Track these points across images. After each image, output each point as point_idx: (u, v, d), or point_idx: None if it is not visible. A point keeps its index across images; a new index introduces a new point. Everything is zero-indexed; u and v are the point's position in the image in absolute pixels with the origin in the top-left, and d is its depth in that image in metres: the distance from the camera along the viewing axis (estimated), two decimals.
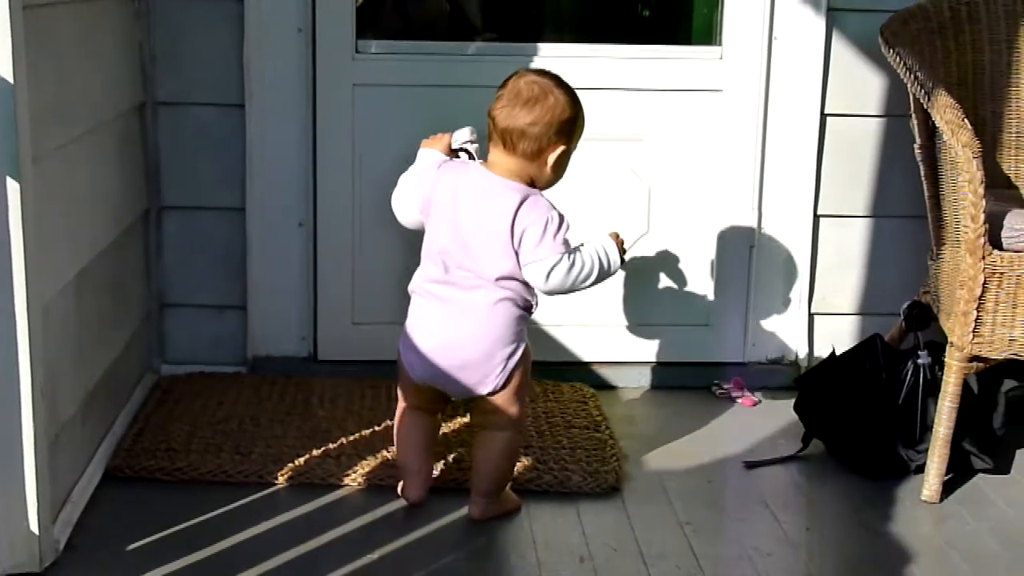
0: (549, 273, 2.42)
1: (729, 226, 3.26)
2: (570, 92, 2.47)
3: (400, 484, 2.59)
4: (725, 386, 3.25)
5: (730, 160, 3.23)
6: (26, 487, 2.20)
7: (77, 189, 2.53)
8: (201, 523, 2.49)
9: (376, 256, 3.21)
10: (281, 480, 2.66)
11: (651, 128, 3.23)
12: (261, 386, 3.13)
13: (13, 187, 2.10)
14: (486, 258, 2.43)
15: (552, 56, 3.16)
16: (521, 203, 2.41)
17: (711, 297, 3.29)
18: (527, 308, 2.50)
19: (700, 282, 3.29)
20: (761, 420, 3.10)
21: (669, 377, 3.28)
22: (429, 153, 2.59)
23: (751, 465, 2.84)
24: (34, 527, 2.23)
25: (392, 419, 2.91)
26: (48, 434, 2.28)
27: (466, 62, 3.21)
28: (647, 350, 3.31)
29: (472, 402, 2.54)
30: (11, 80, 2.06)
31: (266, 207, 3.16)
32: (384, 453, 2.76)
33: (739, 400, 3.20)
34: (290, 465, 2.70)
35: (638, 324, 3.30)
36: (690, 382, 3.27)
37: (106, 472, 2.66)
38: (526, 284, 2.46)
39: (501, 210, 2.42)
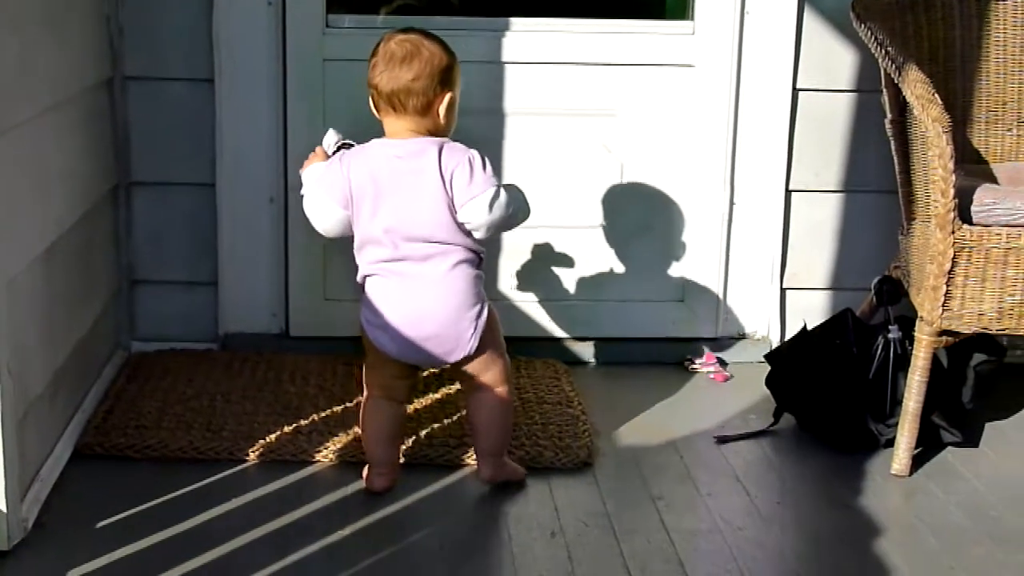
0: (491, 204, 2.43)
1: (701, 201, 3.26)
2: (440, 41, 2.49)
3: (365, 473, 2.58)
4: (697, 361, 3.25)
5: (702, 135, 3.23)
6: None
7: (43, 164, 2.51)
8: (172, 500, 2.48)
9: None
10: (252, 457, 2.66)
11: (623, 103, 3.22)
12: (232, 363, 3.11)
13: None
14: (430, 218, 2.43)
15: (525, 30, 3.15)
16: (439, 152, 2.43)
17: (684, 273, 3.29)
18: (479, 265, 2.51)
19: (673, 258, 3.29)
20: (733, 395, 3.11)
21: (642, 352, 3.29)
22: (315, 166, 2.56)
23: (723, 440, 2.85)
24: (1, 505, 2.22)
25: (363, 396, 2.92)
26: (16, 412, 2.26)
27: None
28: (620, 326, 3.31)
29: (455, 371, 2.54)
30: None
31: (236, 182, 3.14)
32: (356, 430, 2.75)
33: (711, 375, 3.21)
34: (261, 442, 2.69)
35: (611, 300, 3.30)
36: (663, 357, 3.28)
37: (76, 450, 2.65)
38: (471, 236, 2.46)
39: (423, 166, 2.42)
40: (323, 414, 2.85)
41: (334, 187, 2.48)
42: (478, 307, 2.48)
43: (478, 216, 2.44)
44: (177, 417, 2.80)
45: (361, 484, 2.57)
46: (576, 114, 3.20)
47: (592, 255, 3.27)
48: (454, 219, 2.44)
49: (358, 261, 2.52)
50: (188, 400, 2.89)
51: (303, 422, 2.80)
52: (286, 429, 2.75)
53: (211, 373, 3.05)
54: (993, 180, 2.85)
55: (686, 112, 3.22)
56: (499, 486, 2.59)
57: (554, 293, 3.28)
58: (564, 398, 2.97)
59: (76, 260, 2.75)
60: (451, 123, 2.50)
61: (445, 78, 2.45)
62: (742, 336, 3.32)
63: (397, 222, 2.44)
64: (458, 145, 2.47)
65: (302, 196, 2.57)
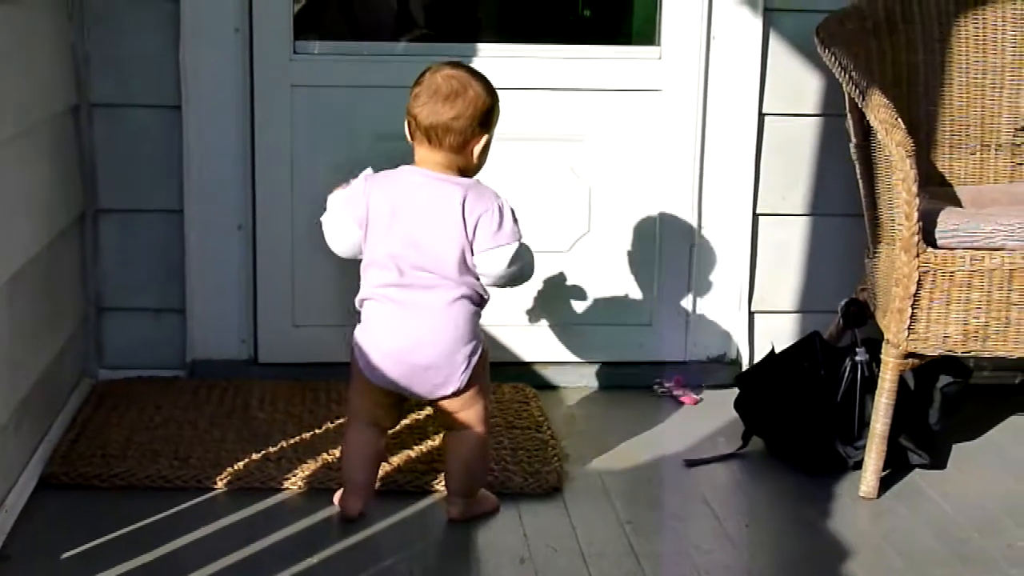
0: (511, 259, 2.44)
1: (669, 225, 3.27)
2: (486, 82, 2.49)
3: (339, 495, 2.57)
4: (666, 385, 3.26)
5: (670, 160, 3.25)
6: None
7: (8, 191, 2.49)
8: (138, 529, 2.46)
9: (316, 258, 3.18)
10: (220, 485, 2.64)
11: (591, 128, 3.24)
12: (200, 390, 3.10)
13: None
14: (442, 253, 2.43)
15: (492, 56, 3.16)
16: (466, 193, 2.43)
17: (652, 296, 3.31)
18: (481, 304, 2.51)
19: (641, 281, 3.30)
20: (702, 418, 3.11)
21: (611, 377, 3.29)
22: (342, 191, 2.54)
23: (692, 463, 2.86)
24: None
25: (332, 422, 2.92)
26: None
27: (405, 62, 3.17)
28: (589, 350, 3.31)
29: (436, 404, 2.52)
30: None
31: (204, 209, 3.14)
32: (325, 456, 2.75)
33: (680, 399, 3.22)
34: (229, 469, 2.68)
35: (579, 324, 3.30)
36: (632, 381, 3.28)
37: (41, 479, 2.63)
38: (478, 278, 2.47)
39: (447, 203, 2.42)
40: (292, 440, 2.84)
41: (354, 206, 2.48)
42: (473, 343, 2.47)
43: (495, 266, 2.44)
44: (144, 445, 2.78)
45: (330, 511, 2.56)
46: (544, 138, 3.21)
47: (560, 279, 3.28)
48: (465, 260, 2.43)
49: (361, 283, 2.51)
50: (155, 428, 2.87)
51: (271, 449, 2.79)
52: (254, 456, 2.74)
53: (179, 400, 3.03)
54: (957, 203, 2.88)
55: (654, 136, 3.24)
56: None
57: (523, 317, 3.28)
58: (533, 423, 2.97)
59: (41, 288, 2.74)
60: (483, 163, 2.50)
61: (485, 120, 2.45)
62: (711, 359, 3.33)
63: (407, 248, 2.43)
64: (488, 190, 2.46)
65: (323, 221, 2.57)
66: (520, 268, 2.49)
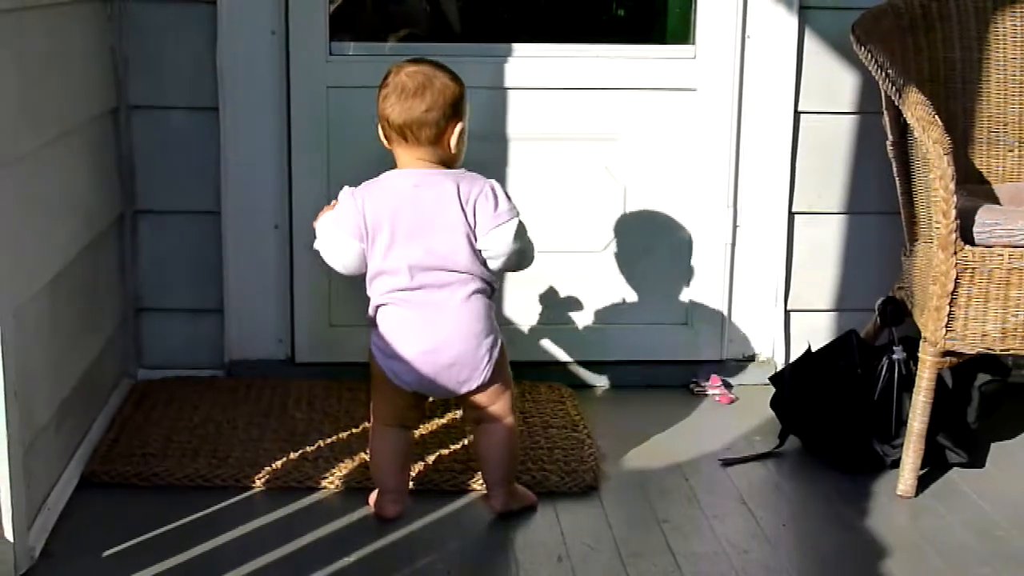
0: (516, 234, 2.45)
1: (705, 224, 3.27)
2: (450, 72, 2.50)
3: (373, 499, 2.58)
4: (703, 384, 3.26)
5: (705, 159, 3.24)
6: (0, 494, 2.19)
7: (49, 193, 2.52)
8: (178, 528, 2.49)
9: None
10: (258, 484, 2.66)
11: (626, 127, 3.23)
12: (238, 389, 3.12)
13: None
14: (451, 248, 2.44)
15: (527, 56, 3.17)
16: (458, 183, 2.44)
17: (688, 295, 3.30)
18: (492, 295, 2.52)
19: (676, 281, 3.30)
20: (738, 417, 3.11)
21: (647, 376, 3.29)
22: (329, 214, 2.53)
23: (728, 462, 2.85)
24: (9, 534, 2.22)
25: (369, 422, 2.92)
26: (23, 440, 2.27)
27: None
28: (625, 349, 3.31)
29: (463, 400, 2.54)
30: None
31: (242, 210, 3.16)
32: (362, 455, 2.76)
33: (716, 398, 3.21)
34: (267, 469, 2.70)
35: (615, 323, 3.30)
36: (668, 380, 3.28)
37: (82, 478, 2.65)
38: (487, 266, 2.47)
39: (442, 196, 2.43)
40: (329, 440, 2.85)
41: (348, 220, 2.47)
42: (492, 336, 2.49)
43: (501, 244, 2.45)
44: (183, 445, 2.80)
45: (367, 510, 2.58)
46: (579, 138, 3.21)
47: (596, 279, 3.28)
48: (472, 248, 2.45)
49: (369, 292, 2.51)
50: (194, 427, 2.90)
51: (309, 448, 2.80)
52: (292, 456, 2.76)
53: (217, 400, 3.06)
54: (995, 200, 2.86)
55: (688, 135, 3.24)
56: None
57: (559, 317, 3.29)
58: (570, 422, 2.98)
59: (82, 289, 2.77)
60: (461, 152, 2.51)
61: (456, 108, 2.46)
62: (747, 358, 3.32)
63: (416, 252, 2.44)
64: (474, 174, 2.48)
65: (316, 246, 2.55)
66: (523, 245, 2.49)
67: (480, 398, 2.50)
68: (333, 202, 2.56)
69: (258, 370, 3.22)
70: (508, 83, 3.18)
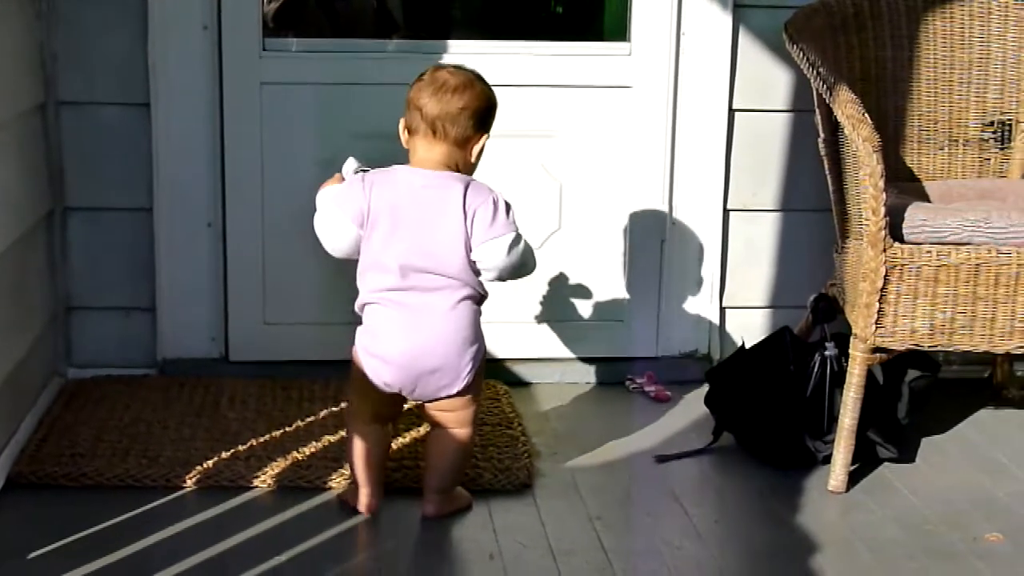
0: (510, 248, 2.44)
1: (640, 221, 3.28)
2: (488, 84, 2.52)
3: (351, 495, 2.56)
4: (638, 381, 3.26)
5: (640, 156, 3.25)
6: None
7: None
8: (106, 529, 2.46)
9: (287, 255, 3.19)
10: (189, 483, 2.64)
11: (562, 124, 3.24)
12: (170, 388, 3.09)
13: None
14: (447, 253, 2.43)
15: (465, 52, 3.15)
16: (466, 189, 2.43)
17: (623, 293, 3.31)
18: (481, 302, 2.52)
19: (612, 278, 3.30)
20: (673, 414, 3.12)
21: (582, 373, 3.29)
22: (333, 186, 2.54)
23: (662, 459, 2.86)
24: None
25: (303, 420, 2.92)
26: None
27: (374, 60, 3.20)
28: (561, 346, 3.31)
29: (430, 403, 2.52)
30: None
31: (174, 207, 3.13)
32: (295, 454, 2.74)
33: (652, 394, 3.22)
34: (198, 468, 2.67)
35: (551, 320, 3.30)
36: (604, 378, 3.29)
37: (8, 479, 2.61)
38: (479, 275, 2.47)
39: (447, 200, 2.42)
40: (262, 439, 2.83)
41: (352, 204, 2.47)
42: (476, 345, 2.49)
43: (493, 258, 2.44)
44: (113, 444, 2.77)
45: (299, 509, 2.56)
46: (515, 135, 3.20)
47: (532, 276, 3.27)
48: (467, 257, 2.44)
49: (359, 285, 2.50)
50: (125, 427, 2.86)
51: (241, 447, 2.78)
52: (224, 455, 2.73)
53: (148, 399, 3.02)
54: (925, 198, 2.89)
55: (624, 133, 3.25)
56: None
57: (494, 314, 3.27)
58: (504, 419, 2.97)
59: (9, 286, 2.73)
60: (476, 165, 2.52)
61: (486, 118, 2.48)
62: (683, 355, 3.34)
63: (411, 252, 2.43)
64: (483, 185, 2.47)
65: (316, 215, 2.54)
66: (519, 259, 2.48)
67: (450, 404, 2.50)
68: (337, 175, 2.55)
69: (191, 369, 3.19)
70: None
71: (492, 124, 2.52)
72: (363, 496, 2.54)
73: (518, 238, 2.47)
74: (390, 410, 2.57)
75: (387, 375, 2.47)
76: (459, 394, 2.49)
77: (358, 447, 2.54)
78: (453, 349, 2.45)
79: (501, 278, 2.51)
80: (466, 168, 2.49)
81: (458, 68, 2.52)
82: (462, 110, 2.43)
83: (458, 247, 2.43)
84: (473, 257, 2.45)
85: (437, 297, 2.44)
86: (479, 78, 2.51)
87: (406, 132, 2.49)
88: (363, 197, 2.46)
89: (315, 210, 2.55)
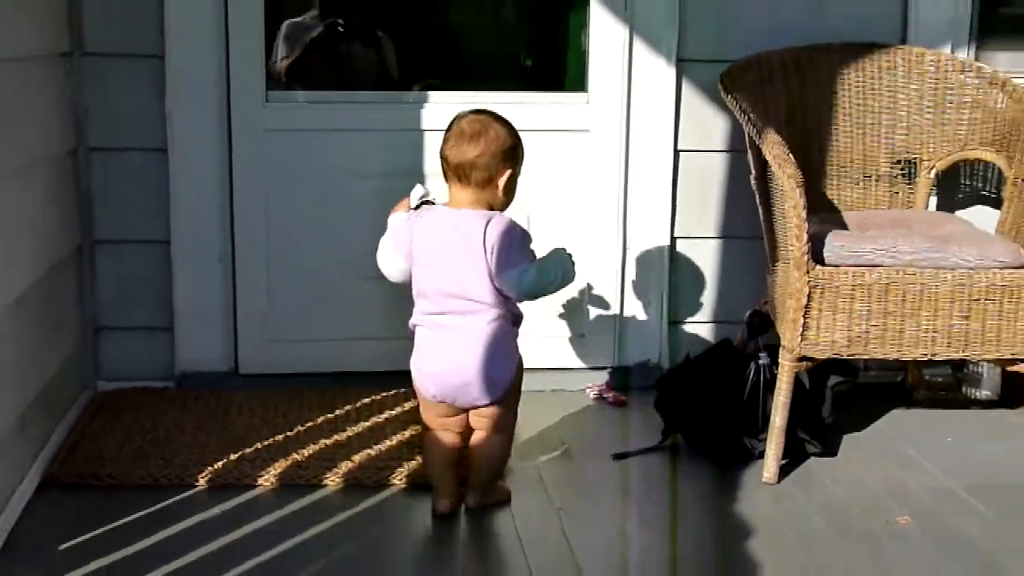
0: (521, 277, 2.45)
1: (598, 248, 3.30)
2: (507, 124, 2.51)
3: (441, 501, 2.55)
4: (597, 387, 3.28)
5: (598, 190, 3.28)
6: None
7: (11, 221, 2.49)
8: (129, 523, 2.47)
9: (288, 283, 3.21)
10: (201, 482, 2.64)
11: (530, 163, 3.22)
12: (186, 399, 3.10)
13: None
14: (473, 282, 2.44)
15: (445, 103, 3.17)
16: (487, 223, 2.44)
17: (585, 310, 3.33)
18: (517, 322, 2.53)
19: (574, 298, 3.32)
20: (628, 417, 3.14)
21: (548, 381, 3.30)
22: (397, 215, 2.58)
23: (619, 456, 2.88)
24: None
25: (303, 426, 2.94)
26: None
27: (363, 109, 3.22)
28: (529, 358, 3.30)
29: (471, 410, 2.53)
30: None
31: (188, 241, 3.14)
32: (295, 456, 2.76)
33: (609, 400, 3.24)
34: (210, 468, 2.68)
35: (522, 335, 3.31)
36: (567, 385, 3.30)
37: (43, 480, 2.62)
38: (510, 299, 2.48)
39: (472, 234, 2.44)
40: (266, 442, 2.84)
41: (400, 241, 2.50)
42: (507, 361, 2.50)
43: (512, 286, 2.45)
44: (135, 448, 2.78)
45: (299, 504, 2.57)
46: None
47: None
48: (492, 284, 2.45)
49: (414, 309, 2.52)
50: (146, 433, 2.87)
51: (248, 450, 2.79)
52: (232, 456, 2.74)
53: (168, 408, 3.03)
54: (843, 226, 2.92)
55: (584, 170, 3.27)
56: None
57: None
58: None
59: (43, 309, 2.74)
60: (510, 197, 2.51)
61: (508, 156, 2.47)
62: (636, 365, 3.35)
63: (441, 282, 2.45)
64: (504, 219, 2.47)
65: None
66: (535, 282, 2.46)
67: (488, 411, 2.51)
68: (405, 200, 2.57)
69: (205, 381, 3.19)
70: (426, 125, 3.20)
71: (519, 157, 2.50)
72: (439, 500, 2.54)
73: (528, 268, 2.46)
74: (451, 419, 2.53)
75: (432, 388, 2.49)
76: (494, 404, 2.49)
77: (430, 455, 2.56)
78: (483, 365, 2.45)
79: (528, 299, 2.51)
80: (496, 202, 2.49)
81: (479, 113, 2.51)
82: (479, 157, 2.44)
83: (482, 276, 2.44)
84: (497, 285, 2.46)
85: (471, 320, 2.46)
86: (496, 119, 2.49)
87: (443, 176, 2.51)
88: (407, 234, 2.49)
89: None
